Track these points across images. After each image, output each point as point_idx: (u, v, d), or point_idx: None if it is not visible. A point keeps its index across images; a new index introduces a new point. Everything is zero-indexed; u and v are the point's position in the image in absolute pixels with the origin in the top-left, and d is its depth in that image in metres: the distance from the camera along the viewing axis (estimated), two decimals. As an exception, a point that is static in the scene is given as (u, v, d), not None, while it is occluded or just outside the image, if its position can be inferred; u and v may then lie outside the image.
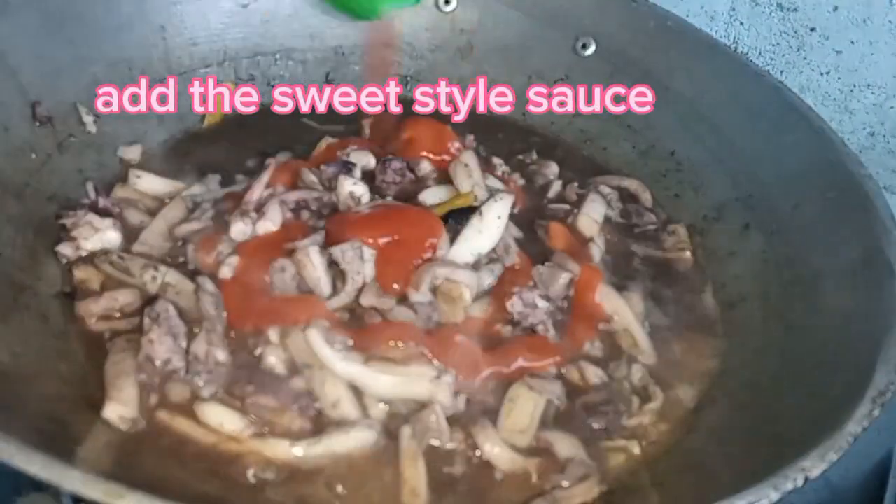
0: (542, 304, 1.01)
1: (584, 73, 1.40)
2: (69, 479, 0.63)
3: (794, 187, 1.14)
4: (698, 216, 1.25)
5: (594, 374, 0.98)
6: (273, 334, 0.93)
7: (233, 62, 1.35)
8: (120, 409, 0.84)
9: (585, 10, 1.39)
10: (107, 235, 1.04)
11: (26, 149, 1.07)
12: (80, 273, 1.00)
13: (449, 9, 1.44)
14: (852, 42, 1.43)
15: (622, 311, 1.06)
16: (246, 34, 1.36)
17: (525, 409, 0.93)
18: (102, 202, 1.08)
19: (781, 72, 1.48)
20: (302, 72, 1.40)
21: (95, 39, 1.19)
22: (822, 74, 1.47)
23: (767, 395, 0.94)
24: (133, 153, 1.20)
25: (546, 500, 0.85)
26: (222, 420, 0.86)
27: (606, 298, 1.06)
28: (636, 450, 0.92)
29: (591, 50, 1.40)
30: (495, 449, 0.88)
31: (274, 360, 0.91)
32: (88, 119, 1.16)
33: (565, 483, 0.87)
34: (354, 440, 0.86)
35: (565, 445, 0.91)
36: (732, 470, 0.82)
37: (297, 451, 0.84)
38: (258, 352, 0.92)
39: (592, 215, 1.19)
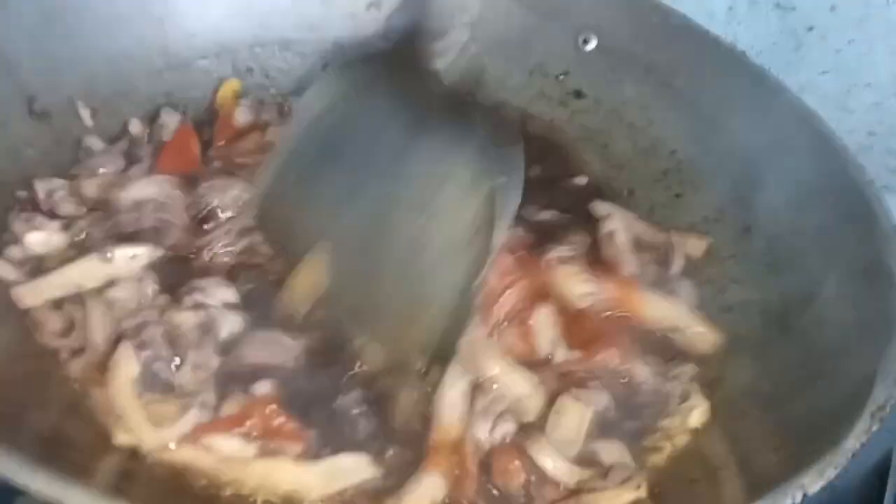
0: None
1: (585, 68, 1.39)
2: (73, 497, 0.63)
3: (796, 189, 1.14)
4: (699, 217, 1.24)
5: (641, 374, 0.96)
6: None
7: (231, 54, 1.33)
8: (128, 435, 0.82)
9: (587, 5, 1.37)
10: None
11: (23, 145, 1.06)
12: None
13: (449, 3, 1.42)
14: (851, 41, 1.42)
15: (671, 311, 1.03)
16: (244, 25, 1.34)
17: (571, 422, 0.90)
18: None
19: (779, 71, 1.47)
20: (301, 64, 1.39)
21: (93, 32, 1.17)
22: (820, 74, 1.46)
23: (765, 407, 0.95)
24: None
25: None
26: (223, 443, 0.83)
27: (651, 305, 1.03)
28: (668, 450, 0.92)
29: (592, 45, 1.38)
30: (554, 462, 0.86)
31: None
32: (85, 114, 1.15)
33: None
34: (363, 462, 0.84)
35: (611, 452, 0.89)
36: (730, 485, 0.83)
37: (304, 471, 0.82)
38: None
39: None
